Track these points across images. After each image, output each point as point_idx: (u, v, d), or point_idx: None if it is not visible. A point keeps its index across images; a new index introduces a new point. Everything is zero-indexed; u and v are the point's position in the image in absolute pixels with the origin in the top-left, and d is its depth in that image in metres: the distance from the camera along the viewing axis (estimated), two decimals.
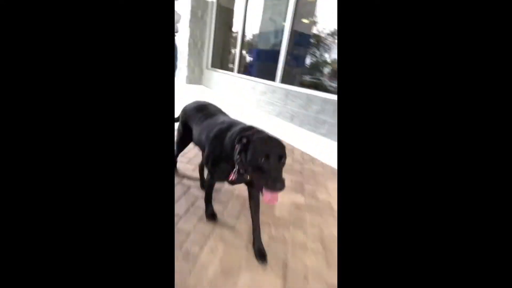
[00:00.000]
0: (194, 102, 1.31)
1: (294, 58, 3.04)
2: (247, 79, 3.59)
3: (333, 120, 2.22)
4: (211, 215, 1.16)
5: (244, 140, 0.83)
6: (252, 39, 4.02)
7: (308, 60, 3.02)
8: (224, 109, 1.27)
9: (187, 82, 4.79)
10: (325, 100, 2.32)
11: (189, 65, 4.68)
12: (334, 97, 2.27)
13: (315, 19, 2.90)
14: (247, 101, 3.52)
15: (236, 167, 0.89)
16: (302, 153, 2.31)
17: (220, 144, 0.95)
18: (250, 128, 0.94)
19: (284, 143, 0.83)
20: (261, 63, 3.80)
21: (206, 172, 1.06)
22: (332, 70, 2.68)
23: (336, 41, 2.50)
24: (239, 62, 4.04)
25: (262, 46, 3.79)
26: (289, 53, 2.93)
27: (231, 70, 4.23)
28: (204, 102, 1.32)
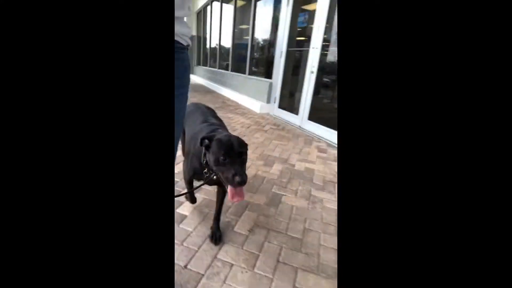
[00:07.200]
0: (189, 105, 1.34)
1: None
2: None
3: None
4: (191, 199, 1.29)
5: (206, 142, 0.88)
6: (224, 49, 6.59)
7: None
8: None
9: None
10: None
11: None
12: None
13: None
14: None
15: (205, 169, 0.94)
16: None
17: (194, 147, 1.03)
18: (214, 130, 1.02)
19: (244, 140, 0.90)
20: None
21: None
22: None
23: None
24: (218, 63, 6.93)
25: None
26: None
27: (213, 67, 7.49)
28: (194, 105, 1.39)
